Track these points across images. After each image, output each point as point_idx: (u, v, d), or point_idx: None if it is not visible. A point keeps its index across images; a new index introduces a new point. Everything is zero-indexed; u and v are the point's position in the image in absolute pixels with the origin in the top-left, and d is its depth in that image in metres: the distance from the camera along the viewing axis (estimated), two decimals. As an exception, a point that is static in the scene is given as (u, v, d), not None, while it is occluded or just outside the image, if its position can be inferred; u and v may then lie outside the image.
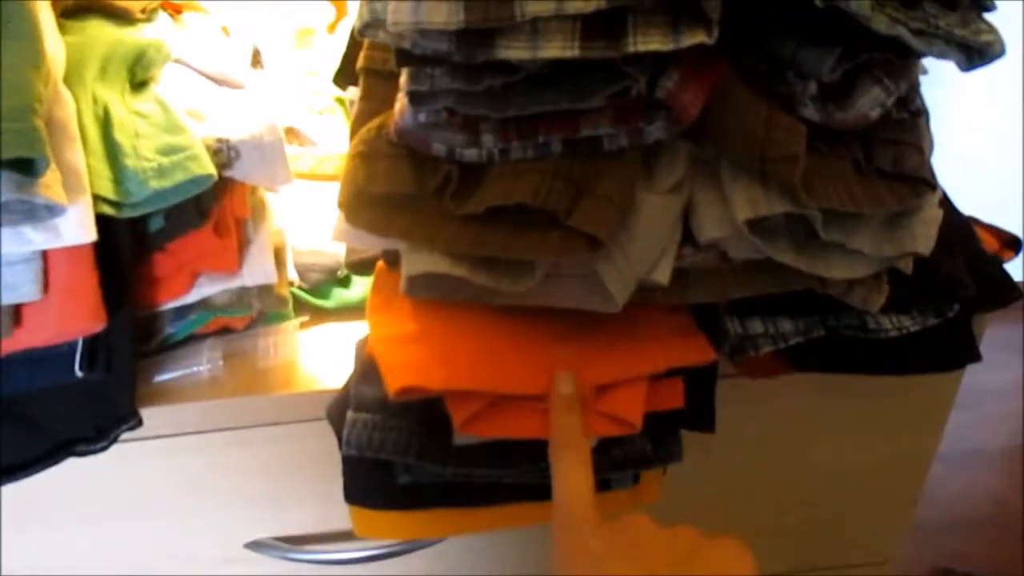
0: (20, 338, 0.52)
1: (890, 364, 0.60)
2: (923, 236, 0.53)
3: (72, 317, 0.52)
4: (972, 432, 1.77)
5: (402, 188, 0.50)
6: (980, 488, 1.68)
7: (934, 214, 0.54)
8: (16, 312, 0.53)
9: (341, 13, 0.89)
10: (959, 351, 0.62)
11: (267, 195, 0.66)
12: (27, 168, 0.48)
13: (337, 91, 0.75)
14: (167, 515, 0.66)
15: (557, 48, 0.44)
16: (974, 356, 0.62)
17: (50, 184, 0.49)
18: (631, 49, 0.43)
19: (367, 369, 0.55)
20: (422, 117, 0.49)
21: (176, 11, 0.68)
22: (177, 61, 0.64)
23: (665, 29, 0.43)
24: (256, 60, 0.69)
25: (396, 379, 0.50)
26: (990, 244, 0.66)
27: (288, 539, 0.69)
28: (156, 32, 0.62)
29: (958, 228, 0.64)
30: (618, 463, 0.57)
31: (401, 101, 0.50)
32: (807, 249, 0.51)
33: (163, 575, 0.70)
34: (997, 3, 0.50)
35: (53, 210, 0.49)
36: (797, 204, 0.48)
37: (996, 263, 0.64)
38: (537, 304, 0.52)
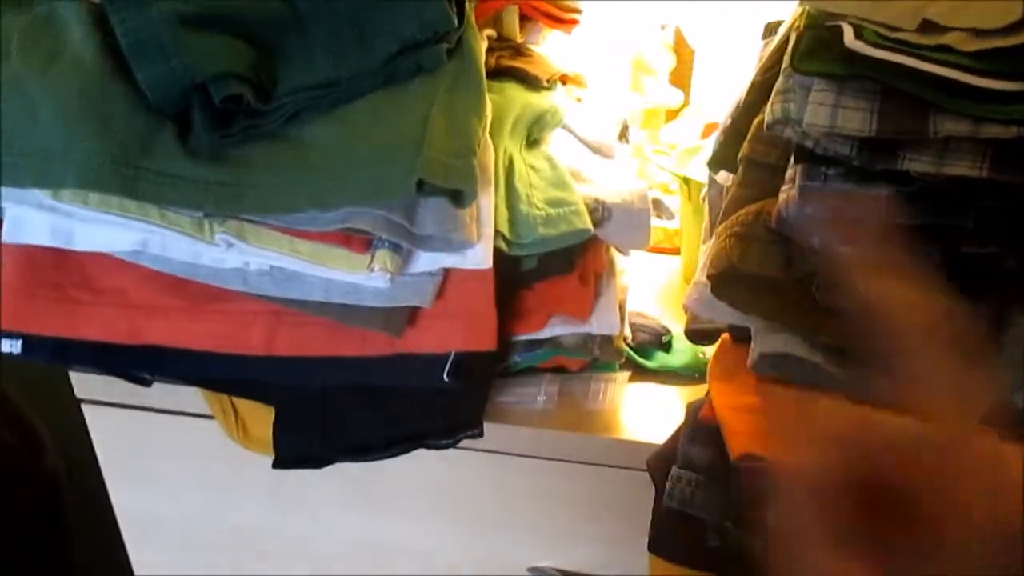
0: (418, 342, 0.61)
1: None
2: None
3: (472, 334, 0.60)
4: None
5: (772, 271, 0.54)
6: None
7: None
8: (412, 319, 0.62)
9: (686, 98, 0.96)
10: None
11: (617, 255, 0.72)
12: (458, 199, 0.57)
13: (683, 171, 0.80)
14: (471, 522, 0.73)
15: (965, 167, 0.46)
16: None
17: (467, 222, 0.58)
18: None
19: (698, 431, 0.59)
20: (807, 211, 0.53)
21: (565, 82, 0.77)
22: (563, 126, 0.72)
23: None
24: (624, 134, 0.76)
25: (739, 445, 0.53)
26: None
27: (568, 573, 0.73)
28: (554, 100, 0.71)
29: None
30: None
31: (789, 193, 0.54)
32: None
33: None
34: None
35: (464, 244, 0.58)
36: None
37: None
38: (882, 399, 0.54)
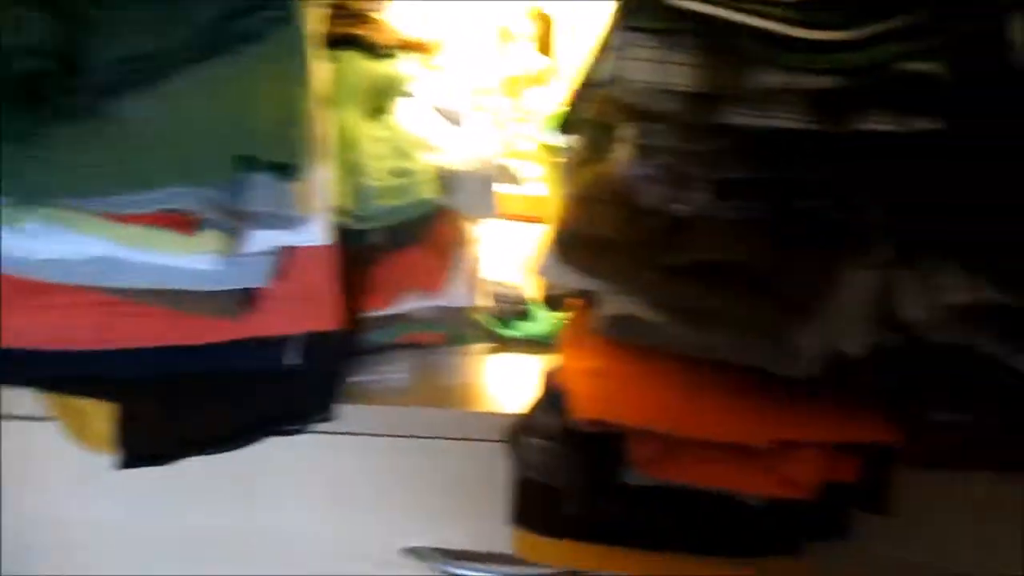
0: (260, 325, 0.58)
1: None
2: None
3: (316, 313, 0.58)
4: None
5: (614, 233, 0.54)
6: None
7: None
8: (251, 300, 0.59)
9: (549, 65, 0.95)
10: None
11: (470, 225, 0.71)
12: (286, 173, 0.55)
13: (543, 137, 0.79)
14: (337, 505, 0.71)
15: (784, 118, 0.46)
16: None
17: (300, 197, 0.55)
18: (857, 127, 0.45)
19: (552, 399, 0.58)
20: (643, 169, 0.52)
21: (413, 48, 0.74)
22: (412, 95, 0.70)
23: (896, 111, 0.45)
24: (475, 102, 0.74)
25: (582, 409, 0.52)
26: None
27: (444, 551, 0.72)
28: (398, 68, 0.68)
29: None
30: (784, 529, 0.57)
31: (624, 152, 0.53)
32: (1009, 339, 0.51)
33: (318, 566, 0.75)
34: None
35: (299, 220, 0.56)
36: (1015, 296, 0.48)
37: None
38: (728, 359, 0.54)
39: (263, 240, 0.57)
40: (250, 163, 0.53)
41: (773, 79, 0.46)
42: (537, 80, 0.94)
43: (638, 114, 0.51)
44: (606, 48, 0.51)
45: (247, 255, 0.57)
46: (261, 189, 0.55)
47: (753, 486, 0.55)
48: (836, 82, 0.45)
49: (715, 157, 0.50)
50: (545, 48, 0.97)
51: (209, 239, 0.55)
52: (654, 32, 0.47)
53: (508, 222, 0.80)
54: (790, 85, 0.46)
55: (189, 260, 0.56)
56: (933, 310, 0.50)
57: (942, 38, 0.44)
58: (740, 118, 0.47)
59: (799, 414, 0.55)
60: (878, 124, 0.45)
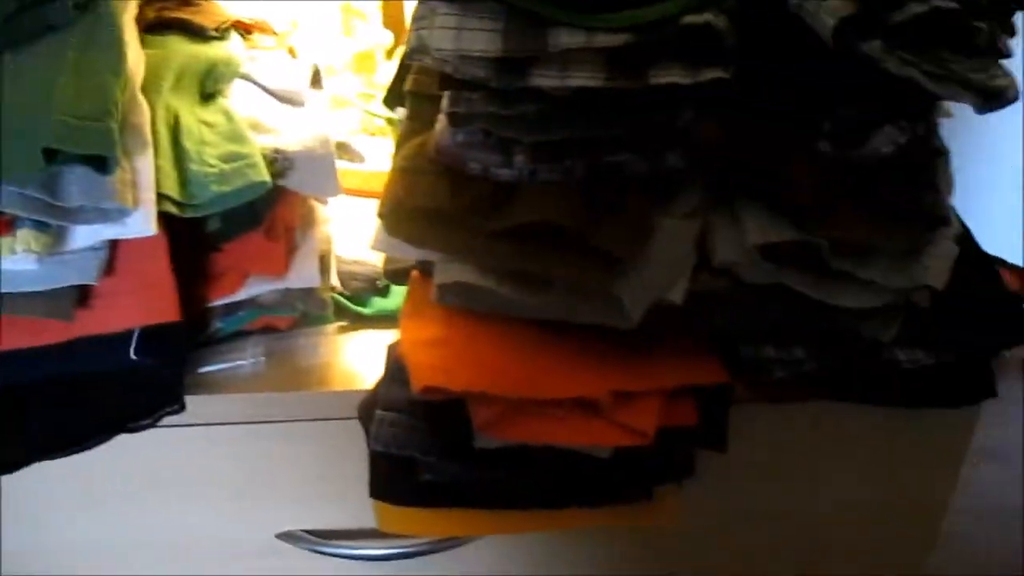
0: (96, 323, 0.57)
1: (902, 396, 0.62)
2: (936, 271, 0.55)
3: (152, 307, 0.57)
4: (1008, 488, 1.73)
5: (439, 203, 0.54)
6: (1014, 545, 1.64)
7: (948, 250, 0.56)
8: (84, 298, 0.58)
9: (399, 40, 0.94)
10: (974, 388, 0.63)
11: (317, 206, 0.70)
12: (101, 165, 0.53)
13: (390, 114, 0.79)
14: (204, 501, 0.70)
15: (584, 78, 0.47)
16: (989, 392, 0.63)
17: (120, 189, 0.54)
18: (652, 81, 0.47)
19: (396, 371, 0.59)
20: (460, 137, 0.53)
21: (247, 31, 0.73)
22: (244, 77, 0.69)
23: (686, 64, 0.47)
24: (316, 80, 0.73)
25: (421, 379, 0.53)
26: (1013, 284, 0.67)
27: (318, 533, 0.72)
28: (228, 50, 0.67)
29: (980, 266, 0.66)
30: (631, 475, 0.59)
31: (441, 122, 0.54)
32: (817, 277, 0.53)
33: (195, 560, 0.74)
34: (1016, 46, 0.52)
35: (122, 212, 0.54)
36: (807, 233, 0.50)
37: (1017, 303, 0.65)
38: (558, 318, 0.55)
39: (87, 235, 0.56)
40: (58, 156, 0.51)
41: (573, 39, 0.47)
42: (387, 56, 0.93)
43: (449, 83, 0.51)
44: (412, 18, 0.51)
45: (71, 252, 0.56)
46: (76, 183, 0.53)
47: (596, 438, 0.57)
48: (630, 39, 0.46)
49: (527, 120, 0.51)
50: (396, 24, 0.96)
51: (26, 238, 0.53)
52: (449, 0, 0.48)
53: (361, 199, 0.80)
54: (588, 44, 0.47)
55: (8, 262, 0.54)
56: (743, 252, 0.52)
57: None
58: (545, 80, 0.48)
59: (634, 364, 0.57)
60: (671, 77, 0.46)
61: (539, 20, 0.48)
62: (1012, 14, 0.52)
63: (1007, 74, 0.51)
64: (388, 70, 0.93)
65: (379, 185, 0.80)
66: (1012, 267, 0.69)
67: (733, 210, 0.52)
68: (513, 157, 0.53)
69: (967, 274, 0.60)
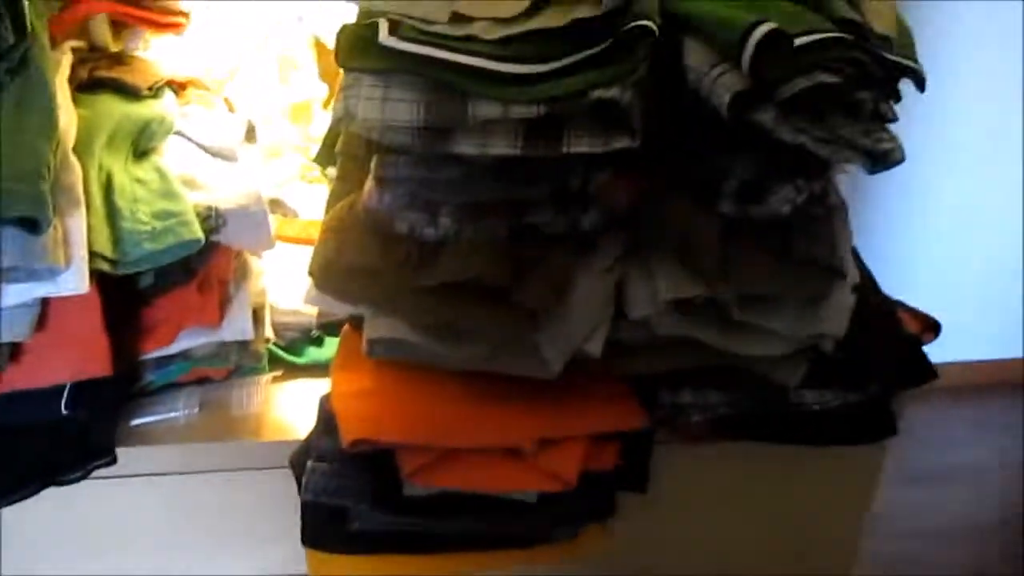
0: (26, 378, 0.58)
1: (811, 435, 0.65)
2: (834, 320, 0.59)
3: (84, 361, 0.58)
4: (947, 507, 1.80)
5: (367, 260, 0.56)
6: (955, 563, 1.70)
7: (845, 300, 0.60)
8: (15, 353, 0.58)
9: (333, 91, 0.97)
10: (877, 427, 0.67)
11: (252, 258, 0.72)
12: (32, 227, 0.54)
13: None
14: (137, 551, 0.70)
15: (503, 147, 0.50)
16: (891, 431, 0.67)
17: (52, 248, 0.55)
18: (566, 150, 0.50)
19: (328, 422, 0.60)
20: (387, 199, 0.55)
21: (181, 87, 0.75)
22: (178, 134, 0.70)
23: (596, 133, 0.50)
24: (251, 135, 0.75)
25: (351, 431, 0.55)
26: (912, 326, 0.72)
27: (255, 579, 0.73)
28: (161, 107, 0.69)
29: (881, 311, 0.70)
30: (557, 518, 0.62)
31: (370, 184, 0.56)
32: (726, 328, 0.57)
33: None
34: (908, 92, 0.56)
35: (53, 271, 0.55)
36: (713, 288, 0.54)
37: (916, 345, 0.70)
38: (482, 369, 0.58)
39: (18, 293, 0.57)
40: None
41: (491, 111, 0.50)
42: (323, 107, 0.95)
43: (376, 148, 0.54)
44: (339, 87, 0.53)
45: (6, 308, 0.56)
46: (7, 243, 0.54)
47: (521, 484, 0.59)
48: (544, 110, 0.49)
49: (451, 183, 0.54)
50: (331, 77, 0.98)
51: (-44, 299, 0.54)
52: (376, 72, 0.50)
53: (298, 246, 0.82)
54: (505, 115, 0.50)
55: (-62, 321, 0.55)
56: (656, 306, 0.55)
57: (627, 66, 0.49)
58: (465, 148, 0.51)
59: (557, 411, 0.59)
60: (583, 146, 0.50)
61: (458, 92, 0.50)
62: (896, 82, 0.57)
63: (892, 138, 0.55)
64: (324, 121, 0.95)
65: (316, 233, 0.82)
66: (910, 309, 0.74)
67: (647, 265, 0.56)
68: (439, 218, 0.55)
69: (868, 318, 0.64)
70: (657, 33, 0.48)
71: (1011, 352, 1.89)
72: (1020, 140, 1.63)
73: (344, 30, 0.51)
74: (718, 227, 0.53)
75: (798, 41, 0.47)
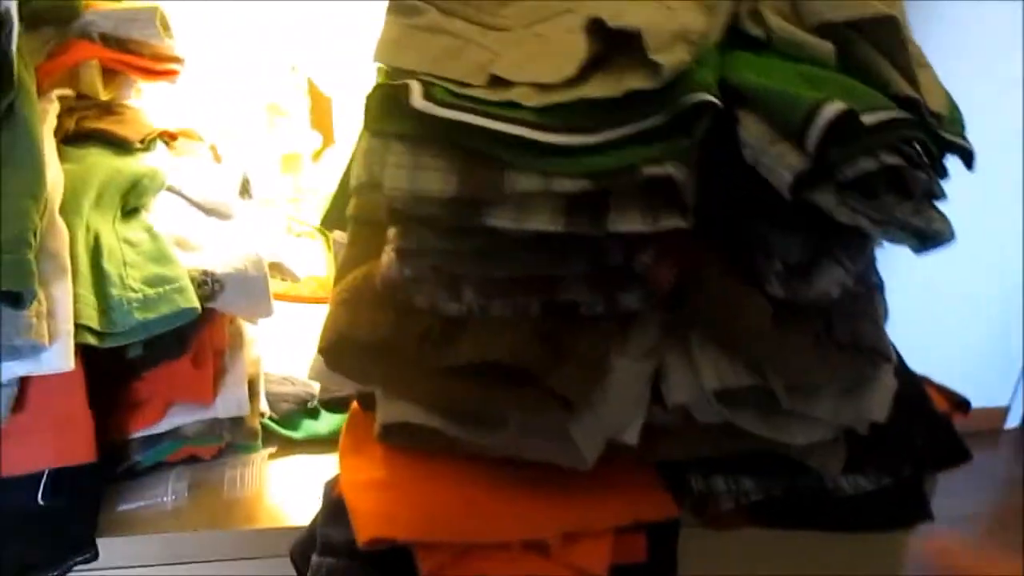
0: (5, 464, 0.53)
1: (845, 522, 0.62)
2: (879, 404, 0.56)
3: (66, 446, 0.53)
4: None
5: (383, 336, 0.52)
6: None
7: (889, 383, 0.57)
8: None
9: (327, 142, 0.92)
10: (911, 510, 0.64)
11: (246, 325, 0.67)
12: (15, 301, 0.49)
13: (315, 221, 0.77)
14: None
15: (543, 222, 0.46)
16: (925, 515, 0.64)
17: (36, 323, 0.50)
18: (611, 228, 0.46)
19: (335, 511, 0.55)
20: (408, 272, 0.51)
21: (172, 138, 0.70)
22: (169, 189, 0.65)
23: (644, 211, 0.46)
24: (245, 189, 0.71)
25: (367, 529, 0.50)
26: (941, 405, 0.69)
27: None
28: (153, 161, 0.64)
29: (912, 391, 0.67)
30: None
31: (389, 254, 0.52)
32: (770, 416, 0.53)
33: None
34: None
35: (36, 349, 0.50)
36: (762, 378, 0.50)
37: (947, 425, 0.67)
38: (508, 455, 0.53)
39: (-3, 374, 0.51)
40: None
41: (530, 184, 0.46)
42: (314, 158, 0.91)
43: (399, 218, 0.50)
44: (361, 151, 0.49)
45: (-20, 389, 0.51)
46: (-13, 319, 0.49)
47: (545, 580, 0.54)
48: (588, 185, 0.46)
49: (479, 257, 0.50)
50: (324, 126, 0.94)
51: (-74, 379, 0.48)
52: (404, 137, 0.46)
53: (293, 304, 0.77)
54: (547, 189, 0.46)
55: (-96, 403, 0.49)
56: (697, 394, 0.52)
57: (683, 141, 0.45)
58: (501, 222, 0.47)
59: (583, 502, 0.55)
60: (631, 225, 0.46)
61: (494, 162, 0.46)
62: (944, 158, 0.54)
63: (942, 217, 0.53)
64: (314, 173, 0.91)
65: (310, 291, 0.77)
66: (938, 387, 0.71)
67: (688, 350, 0.52)
68: (463, 292, 0.51)
69: (900, 399, 0.61)
70: (720, 107, 0.45)
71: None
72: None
73: (375, 91, 0.47)
74: (770, 312, 0.50)
75: (866, 121, 0.44)
